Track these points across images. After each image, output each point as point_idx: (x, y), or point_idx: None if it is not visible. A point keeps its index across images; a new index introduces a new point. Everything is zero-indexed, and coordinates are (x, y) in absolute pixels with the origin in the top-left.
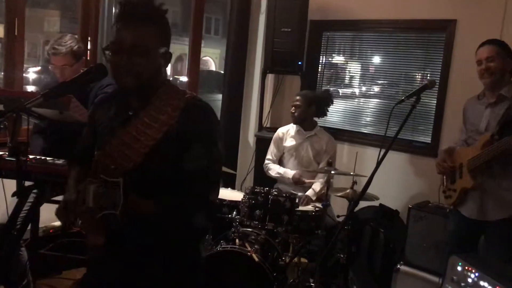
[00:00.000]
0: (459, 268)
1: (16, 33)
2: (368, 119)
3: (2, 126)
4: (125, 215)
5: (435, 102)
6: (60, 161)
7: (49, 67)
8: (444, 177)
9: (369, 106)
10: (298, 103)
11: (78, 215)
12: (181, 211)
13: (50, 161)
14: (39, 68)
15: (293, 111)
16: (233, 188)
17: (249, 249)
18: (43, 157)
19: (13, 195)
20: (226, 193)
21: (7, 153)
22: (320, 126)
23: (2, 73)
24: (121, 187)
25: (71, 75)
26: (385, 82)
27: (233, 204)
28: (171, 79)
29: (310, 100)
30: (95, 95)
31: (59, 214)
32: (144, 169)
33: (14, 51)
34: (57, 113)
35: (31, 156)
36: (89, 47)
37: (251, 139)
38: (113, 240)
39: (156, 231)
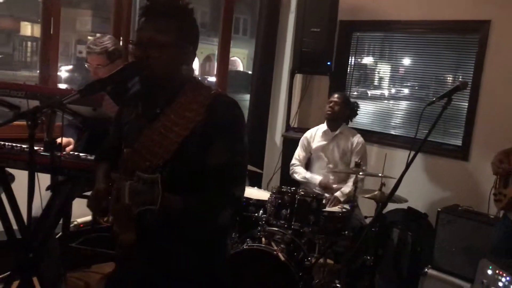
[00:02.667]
0: (489, 272)
1: (51, 32)
2: (397, 121)
3: (39, 122)
4: (162, 210)
5: (467, 104)
6: (93, 157)
7: (86, 65)
8: (498, 178)
9: (399, 108)
10: (338, 100)
11: (112, 213)
12: (207, 207)
13: (83, 156)
14: (71, 66)
15: (331, 108)
16: (259, 187)
17: (275, 248)
18: (76, 153)
19: (47, 189)
20: (253, 192)
21: (42, 148)
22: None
23: (38, 71)
24: (159, 183)
25: (104, 75)
26: (415, 83)
27: (259, 203)
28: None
29: (348, 101)
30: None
31: (91, 203)
32: (172, 165)
33: (49, 50)
34: (91, 110)
35: (65, 152)
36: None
37: (278, 139)
38: (143, 238)
39: (183, 227)
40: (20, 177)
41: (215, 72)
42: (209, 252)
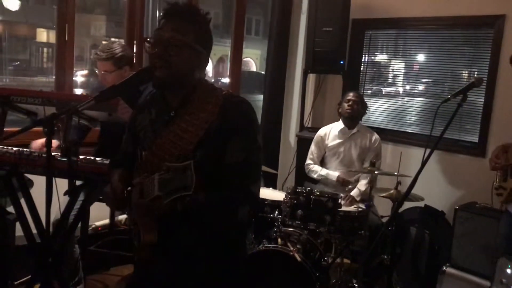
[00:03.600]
0: (508, 271)
1: (66, 38)
2: (412, 118)
3: (55, 128)
4: (196, 196)
5: (483, 100)
6: (109, 161)
7: (96, 70)
8: (497, 173)
9: (414, 105)
10: (356, 99)
11: (136, 210)
12: (227, 203)
13: (99, 161)
14: (86, 71)
15: (350, 106)
16: (274, 188)
17: (291, 248)
18: (92, 157)
19: (65, 193)
20: (268, 193)
21: (59, 154)
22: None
23: (54, 77)
24: (192, 168)
25: (112, 82)
26: (430, 80)
27: (275, 204)
28: (213, 80)
29: (363, 101)
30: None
31: (109, 196)
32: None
33: (64, 56)
34: (106, 115)
35: (81, 156)
36: (134, 50)
37: (292, 139)
38: (164, 239)
39: (205, 224)
40: (39, 182)
41: (228, 73)
42: (229, 253)
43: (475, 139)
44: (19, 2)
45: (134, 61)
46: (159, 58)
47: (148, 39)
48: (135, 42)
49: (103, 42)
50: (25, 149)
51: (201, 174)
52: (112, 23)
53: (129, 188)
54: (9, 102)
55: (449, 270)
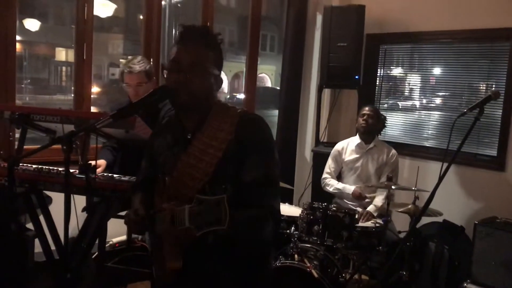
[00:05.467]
0: None
1: (84, 57)
2: (429, 132)
3: (74, 146)
4: (229, 230)
5: (501, 113)
6: (126, 178)
7: (123, 85)
8: None
9: (431, 119)
10: (371, 113)
11: (164, 238)
12: (253, 222)
13: (117, 177)
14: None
15: (364, 120)
16: (290, 203)
17: (308, 265)
18: (110, 174)
19: (83, 210)
20: (284, 208)
21: (77, 171)
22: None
23: (72, 95)
24: (226, 203)
25: (144, 93)
26: (447, 93)
27: (291, 220)
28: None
29: (379, 113)
30: (163, 116)
31: (129, 220)
32: (212, 186)
33: (83, 74)
34: (123, 132)
35: (99, 174)
36: None
37: (308, 154)
38: (190, 265)
39: (233, 246)
40: (57, 199)
41: (243, 89)
42: (255, 272)
43: (494, 152)
44: (39, 23)
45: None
46: (182, 85)
47: (165, 68)
48: (151, 60)
49: (121, 60)
50: (44, 167)
51: (233, 208)
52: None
53: (152, 211)
54: (29, 121)
55: (470, 286)
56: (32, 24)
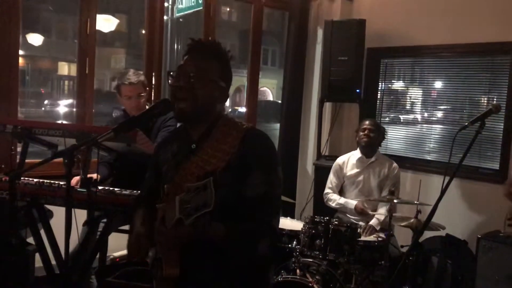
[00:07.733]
0: None
1: (87, 71)
2: (431, 145)
3: (75, 160)
4: (216, 214)
5: (502, 126)
6: (127, 192)
7: (121, 98)
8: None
9: (432, 132)
10: (372, 127)
11: (158, 241)
12: (248, 236)
13: (118, 191)
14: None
15: (365, 135)
16: (292, 217)
17: (310, 279)
18: (111, 188)
19: (84, 224)
20: (286, 223)
21: (78, 185)
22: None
23: (75, 109)
24: (212, 185)
25: (144, 103)
26: (448, 107)
27: (293, 234)
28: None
29: (379, 127)
30: (158, 128)
31: (132, 249)
32: None
33: (85, 88)
34: (125, 146)
35: (100, 187)
36: (153, 82)
37: (310, 168)
38: (185, 272)
39: (226, 257)
40: (58, 213)
41: (245, 103)
42: (253, 285)
43: (496, 166)
44: (42, 37)
45: (154, 93)
46: (183, 90)
47: (171, 72)
48: (153, 74)
49: (115, 76)
50: (45, 180)
51: (220, 188)
52: (131, 56)
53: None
54: (31, 134)
55: None
56: (35, 39)
